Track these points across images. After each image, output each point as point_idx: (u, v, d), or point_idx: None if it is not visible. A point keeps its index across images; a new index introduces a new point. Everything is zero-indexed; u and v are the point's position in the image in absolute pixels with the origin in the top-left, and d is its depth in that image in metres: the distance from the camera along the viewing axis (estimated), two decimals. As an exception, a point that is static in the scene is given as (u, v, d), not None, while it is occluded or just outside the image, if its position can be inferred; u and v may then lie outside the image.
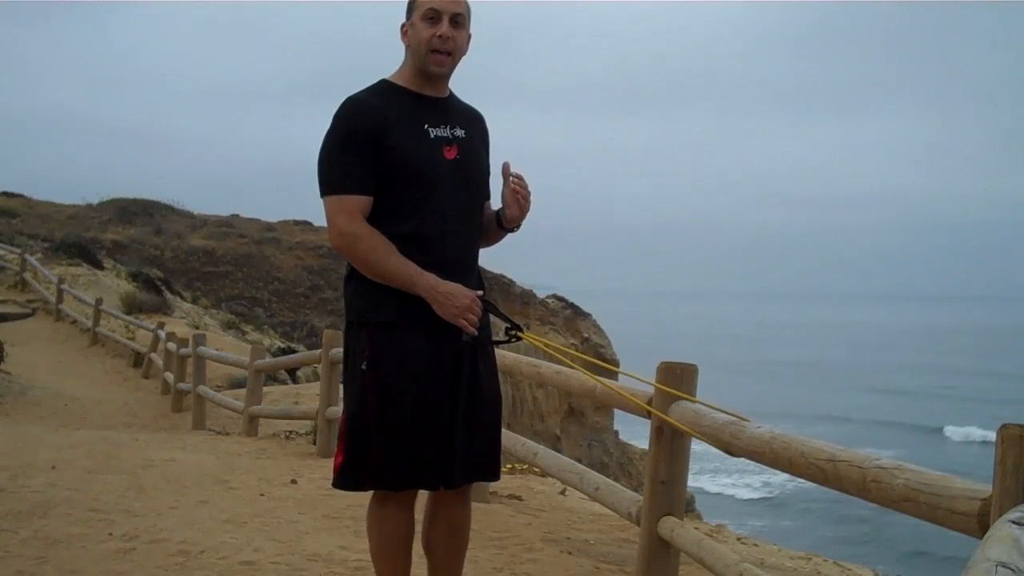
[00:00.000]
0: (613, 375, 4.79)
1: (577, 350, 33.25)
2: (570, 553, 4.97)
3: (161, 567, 4.36)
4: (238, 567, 4.36)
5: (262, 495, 5.92)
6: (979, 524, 2.26)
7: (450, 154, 3.03)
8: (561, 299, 37.07)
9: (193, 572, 4.31)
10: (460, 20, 3.01)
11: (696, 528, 4.61)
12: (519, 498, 6.29)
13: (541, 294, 36.83)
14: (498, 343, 3.15)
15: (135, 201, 39.92)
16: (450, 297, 2.93)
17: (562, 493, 6.75)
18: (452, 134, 3.06)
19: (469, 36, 3.07)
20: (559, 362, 5.04)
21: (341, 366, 3.21)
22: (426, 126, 3.01)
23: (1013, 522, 1.89)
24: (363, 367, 2.98)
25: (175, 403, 14.48)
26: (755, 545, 6.19)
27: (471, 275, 3.11)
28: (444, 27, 2.96)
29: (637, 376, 3.85)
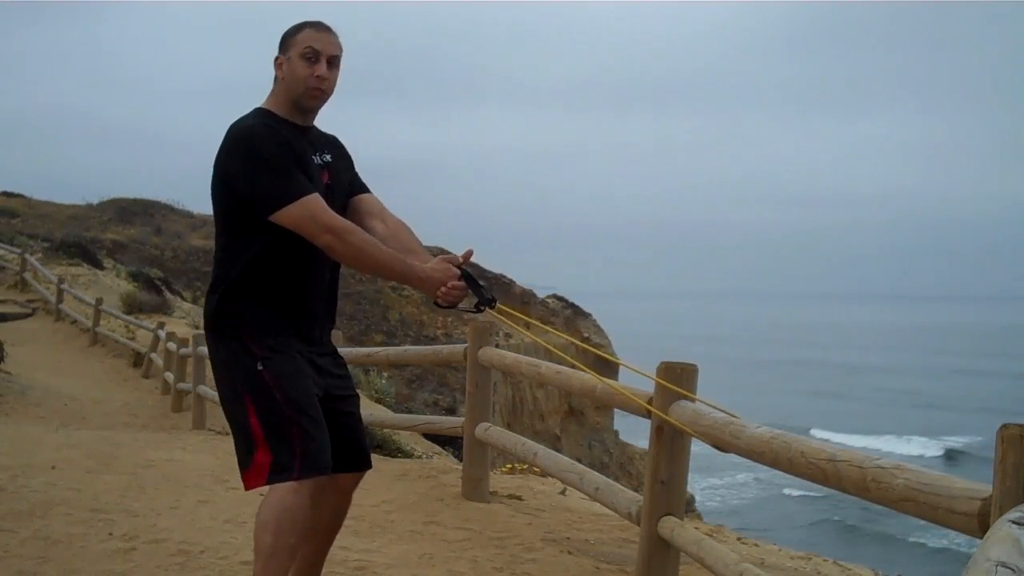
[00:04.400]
0: (612, 370, 4.79)
1: (577, 350, 33.25)
2: (570, 553, 4.97)
3: (161, 567, 4.36)
4: (238, 567, 4.36)
5: (262, 495, 5.91)
6: (979, 524, 2.26)
7: (325, 179, 3.23)
8: (561, 299, 37.09)
9: (193, 572, 4.31)
10: (336, 61, 3.18)
11: (696, 528, 4.61)
12: (519, 498, 6.29)
13: (541, 294, 36.83)
14: (465, 310, 3.30)
15: (135, 201, 39.93)
16: (433, 281, 3.16)
17: (562, 493, 6.75)
18: (323, 160, 3.26)
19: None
20: (557, 359, 5.04)
21: (219, 385, 3.24)
22: (312, 154, 3.21)
23: (1013, 522, 1.89)
24: (259, 367, 3.11)
25: (175, 403, 14.48)
26: (755, 545, 6.19)
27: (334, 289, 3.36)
28: (322, 68, 3.12)
29: (637, 369, 3.85)
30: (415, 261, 3.19)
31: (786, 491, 41.71)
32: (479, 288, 3.24)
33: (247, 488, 3.16)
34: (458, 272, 3.18)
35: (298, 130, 3.18)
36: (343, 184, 3.32)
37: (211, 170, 3.17)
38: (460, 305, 3.22)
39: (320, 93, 3.15)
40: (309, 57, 3.11)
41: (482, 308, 3.26)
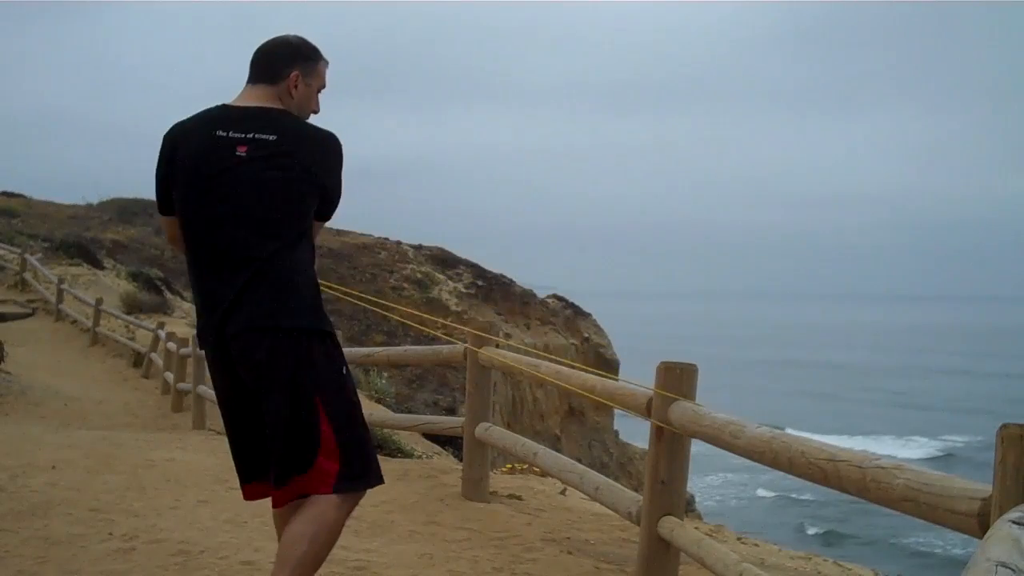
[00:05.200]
0: (612, 371, 4.79)
1: (578, 350, 33.20)
2: (570, 553, 4.97)
3: (161, 567, 4.36)
4: (238, 567, 4.36)
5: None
6: (979, 524, 2.26)
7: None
8: (561, 299, 37.06)
9: (193, 572, 4.31)
10: None
11: (696, 528, 4.61)
12: (519, 498, 6.29)
13: (541, 294, 36.82)
14: None
15: (135, 201, 39.87)
16: None
17: (562, 493, 6.75)
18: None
19: None
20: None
21: (274, 382, 3.04)
22: None
23: (1013, 522, 1.89)
24: (344, 371, 3.13)
25: (175, 403, 14.48)
26: (755, 545, 6.19)
27: None
28: (318, 103, 3.30)
29: (636, 383, 3.86)
30: None
31: (759, 492, 41.91)
32: None
33: (290, 496, 3.04)
34: None
35: None
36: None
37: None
38: None
39: None
40: (319, 91, 3.28)
41: None
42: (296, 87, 3.17)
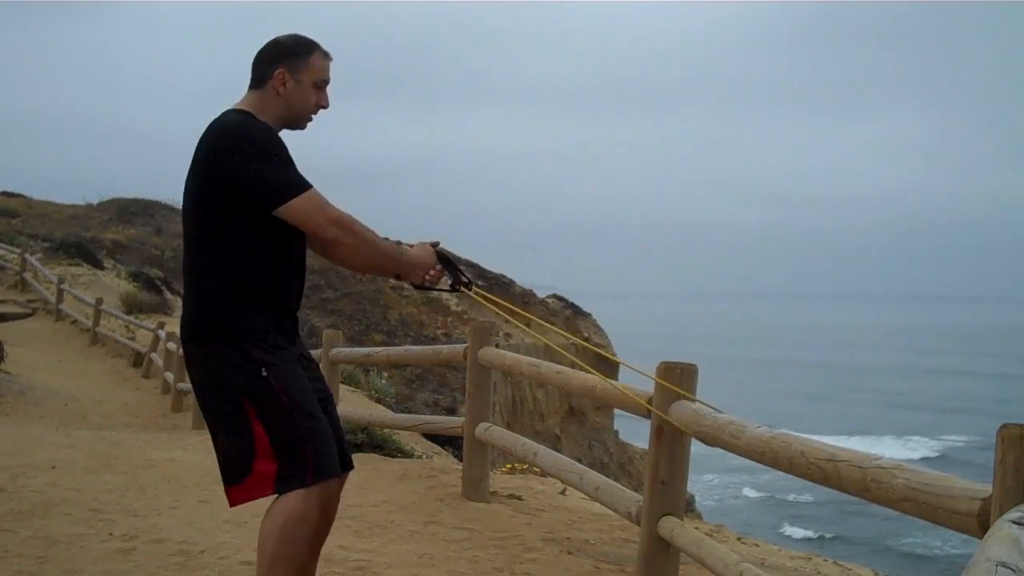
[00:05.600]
0: (612, 371, 4.79)
1: (577, 350, 33.21)
2: (570, 553, 4.97)
3: (161, 567, 4.36)
4: (238, 567, 4.36)
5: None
6: (979, 524, 2.26)
7: None
8: (561, 299, 37.05)
9: (193, 572, 4.31)
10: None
11: (696, 528, 4.61)
12: (519, 498, 6.29)
13: (541, 294, 36.82)
14: (440, 290, 3.38)
15: (135, 201, 39.88)
16: (422, 266, 3.26)
17: (562, 493, 6.76)
18: None
19: None
20: (555, 358, 5.04)
21: (208, 394, 3.11)
22: None
23: (1013, 522, 1.89)
24: (263, 373, 3.04)
25: (175, 403, 14.48)
26: (755, 545, 6.19)
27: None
28: (326, 98, 3.20)
29: (637, 368, 3.86)
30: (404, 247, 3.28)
31: (745, 491, 41.96)
32: (457, 270, 3.34)
33: (237, 501, 3.06)
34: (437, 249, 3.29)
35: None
36: None
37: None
38: (439, 285, 3.31)
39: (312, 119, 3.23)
40: (320, 87, 3.17)
41: (458, 288, 3.35)
42: (284, 85, 3.13)
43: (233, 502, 3.09)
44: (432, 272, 3.26)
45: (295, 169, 3.08)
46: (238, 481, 3.04)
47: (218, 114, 3.17)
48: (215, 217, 3.05)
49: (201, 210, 3.08)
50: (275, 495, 3.04)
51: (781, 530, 35.49)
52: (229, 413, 3.05)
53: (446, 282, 3.34)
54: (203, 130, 3.12)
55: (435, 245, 3.31)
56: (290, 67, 3.13)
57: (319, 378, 3.30)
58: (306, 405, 3.07)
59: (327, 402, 3.25)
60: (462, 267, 3.39)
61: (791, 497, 40.15)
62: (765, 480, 41.00)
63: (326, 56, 3.20)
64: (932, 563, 30.44)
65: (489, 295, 3.63)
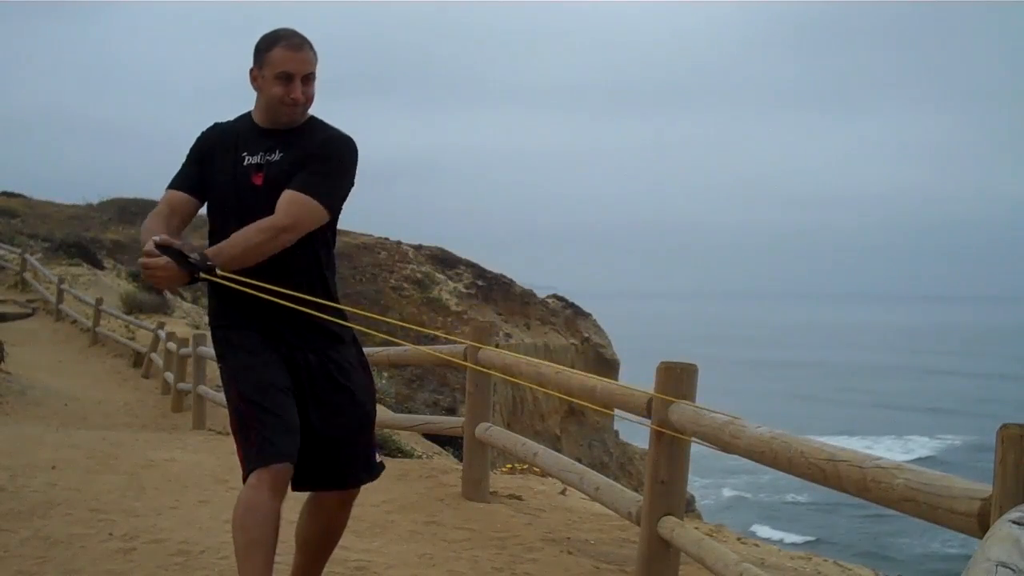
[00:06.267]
0: (612, 371, 4.78)
1: (577, 350, 33.19)
2: (570, 553, 4.97)
3: (161, 567, 4.36)
4: (238, 567, 4.35)
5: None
6: (979, 524, 2.26)
7: (257, 180, 3.19)
8: (561, 299, 37.04)
9: (193, 572, 4.31)
10: (310, 78, 3.20)
11: (696, 528, 4.61)
12: (519, 498, 6.29)
13: (541, 294, 36.81)
14: (184, 285, 3.19)
15: (135, 201, 39.85)
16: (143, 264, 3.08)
17: (562, 493, 6.75)
18: (264, 160, 3.20)
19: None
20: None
21: None
22: (247, 154, 3.22)
23: (1013, 522, 1.89)
24: (220, 364, 3.28)
25: (175, 403, 14.47)
26: (755, 545, 6.19)
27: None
28: (296, 91, 3.15)
29: (635, 388, 3.86)
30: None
31: (725, 492, 41.97)
32: (184, 258, 3.01)
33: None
34: (154, 249, 3.01)
35: (257, 131, 3.24)
36: (283, 183, 3.17)
37: None
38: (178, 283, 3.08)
39: (294, 110, 3.20)
40: (283, 79, 3.15)
41: (198, 276, 3.04)
42: (255, 81, 3.22)
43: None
44: (144, 263, 3.02)
45: (181, 167, 3.34)
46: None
47: (229, 111, 3.39)
48: None
49: None
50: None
51: (752, 529, 35.54)
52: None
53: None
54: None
55: (160, 243, 3.03)
56: (258, 63, 3.21)
57: (340, 387, 3.25)
58: (253, 394, 3.09)
59: (336, 414, 3.24)
60: (195, 255, 3.04)
61: (760, 496, 40.27)
62: (741, 481, 41.16)
63: (292, 47, 3.15)
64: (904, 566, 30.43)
65: (240, 279, 3.10)
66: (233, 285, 3.05)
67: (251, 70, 3.22)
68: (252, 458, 3.03)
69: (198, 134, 3.37)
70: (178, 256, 3.00)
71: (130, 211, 38.58)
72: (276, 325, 3.18)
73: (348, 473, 3.30)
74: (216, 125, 3.37)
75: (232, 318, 3.22)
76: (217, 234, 3.23)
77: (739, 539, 6.25)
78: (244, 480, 3.06)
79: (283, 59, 3.14)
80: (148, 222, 3.20)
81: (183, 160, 3.34)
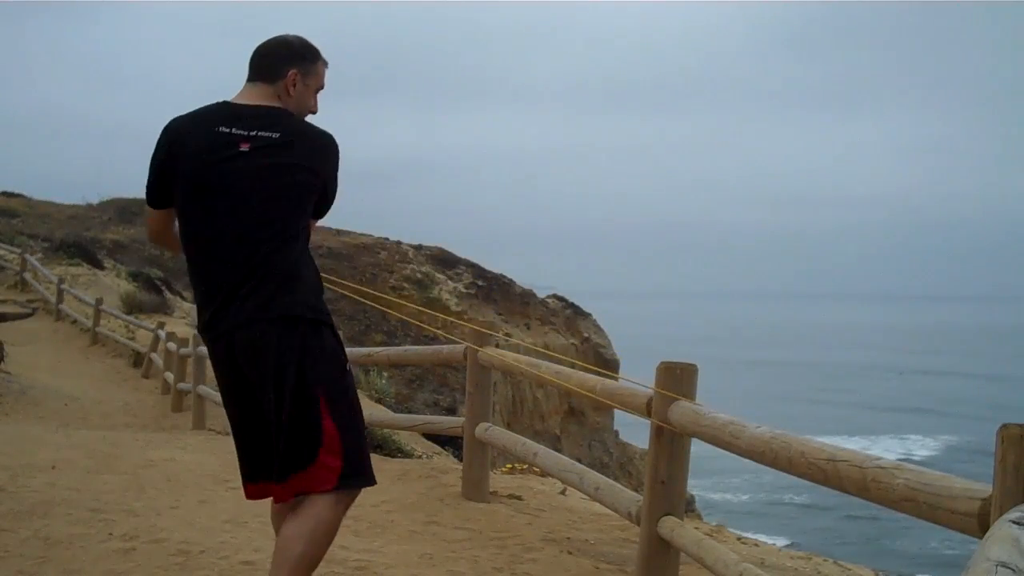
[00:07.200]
0: (612, 371, 4.79)
1: (577, 350, 33.18)
2: (570, 553, 4.97)
3: (161, 567, 4.36)
4: (238, 567, 4.36)
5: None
6: (979, 524, 2.26)
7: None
8: (561, 299, 37.05)
9: (193, 572, 4.31)
10: None
11: (696, 528, 4.61)
12: (519, 498, 6.29)
13: (541, 294, 36.82)
14: None
15: (135, 201, 39.77)
16: None
17: (562, 493, 6.75)
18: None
19: None
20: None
21: (276, 375, 3.02)
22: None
23: (1013, 522, 1.89)
24: (349, 367, 3.16)
25: (175, 403, 14.47)
26: (755, 545, 6.19)
27: None
28: (317, 104, 3.30)
29: (636, 381, 3.86)
30: None
31: (725, 493, 42.07)
32: None
33: (292, 493, 3.03)
34: None
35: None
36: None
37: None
38: None
39: None
40: (317, 92, 3.29)
41: None
42: (294, 86, 3.19)
43: (283, 495, 3.05)
44: None
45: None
46: (301, 469, 3.00)
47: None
48: (307, 214, 3.18)
49: (301, 205, 3.14)
50: (330, 491, 3.01)
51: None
52: (300, 399, 3.01)
53: None
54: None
55: None
56: (302, 70, 3.21)
57: None
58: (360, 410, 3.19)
59: None
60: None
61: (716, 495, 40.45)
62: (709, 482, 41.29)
63: (326, 63, 3.33)
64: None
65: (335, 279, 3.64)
66: (337, 289, 3.28)
67: (293, 72, 3.19)
68: (368, 473, 3.10)
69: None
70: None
71: (130, 211, 38.56)
72: None
73: None
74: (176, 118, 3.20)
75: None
76: (196, 222, 3.11)
77: (739, 539, 6.25)
78: (344, 484, 3.03)
79: (323, 74, 3.30)
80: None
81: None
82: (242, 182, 3.05)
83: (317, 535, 2.98)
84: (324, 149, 3.19)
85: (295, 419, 3.00)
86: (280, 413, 3.01)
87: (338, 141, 3.25)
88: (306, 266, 3.14)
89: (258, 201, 3.05)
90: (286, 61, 3.20)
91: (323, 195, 3.22)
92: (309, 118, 3.27)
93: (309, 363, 3.02)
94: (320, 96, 3.30)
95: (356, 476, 3.06)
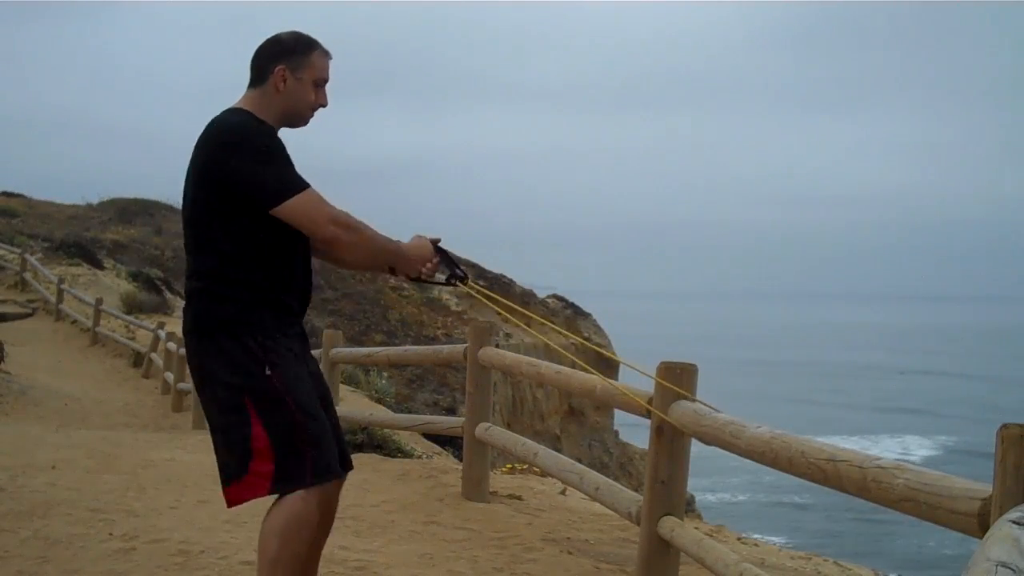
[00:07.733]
0: (612, 371, 4.79)
1: (577, 350, 33.17)
2: (570, 553, 4.97)
3: (161, 567, 4.36)
4: (238, 567, 4.36)
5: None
6: (979, 524, 2.26)
7: None
8: (561, 299, 37.05)
9: (193, 572, 4.31)
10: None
11: (696, 528, 4.61)
12: (519, 498, 6.29)
13: (541, 294, 36.82)
14: (435, 283, 3.42)
15: (135, 201, 39.84)
16: (419, 259, 3.26)
17: (562, 493, 6.76)
18: None
19: None
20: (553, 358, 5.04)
21: (209, 388, 3.08)
22: None
23: (1013, 522, 1.89)
24: (267, 372, 3.03)
25: (175, 403, 14.49)
26: (755, 545, 6.19)
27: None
28: (325, 97, 3.20)
29: (637, 367, 3.85)
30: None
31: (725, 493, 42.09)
32: (453, 264, 3.38)
33: (234, 502, 3.06)
34: (433, 249, 3.32)
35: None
36: None
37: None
38: (435, 278, 3.34)
39: (312, 116, 3.22)
40: (319, 85, 3.17)
41: (454, 282, 3.40)
42: (284, 82, 3.12)
43: (230, 502, 3.08)
44: (429, 265, 3.28)
45: (293, 169, 3.06)
46: (234, 480, 3.04)
47: (217, 113, 3.16)
48: (216, 216, 3.04)
49: (202, 209, 3.06)
50: (274, 496, 3.03)
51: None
52: (228, 411, 3.04)
53: (442, 276, 3.38)
54: (202, 129, 3.11)
55: (436, 241, 3.33)
56: (291, 64, 3.12)
57: (319, 373, 3.30)
58: (308, 406, 3.07)
59: (326, 401, 3.23)
60: (459, 262, 3.41)
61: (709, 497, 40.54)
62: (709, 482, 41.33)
63: (326, 54, 3.19)
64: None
65: (487, 291, 3.69)
66: (480, 297, 3.54)
67: (280, 69, 3.10)
68: (305, 473, 3.02)
69: (272, 137, 3.10)
70: (448, 259, 3.36)
71: (130, 211, 38.58)
72: (295, 327, 3.20)
73: (348, 455, 3.35)
74: (256, 119, 3.10)
75: (271, 322, 3.07)
76: (288, 242, 3.07)
77: (739, 539, 6.25)
78: (278, 489, 3.01)
79: (323, 66, 3.17)
80: (366, 223, 3.14)
81: (287, 161, 3.07)
82: (183, 202, 3.17)
83: (290, 530, 2.98)
84: (211, 144, 3.04)
85: (226, 428, 3.06)
86: (212, 423, 3.12)
87: (233, 121, 3.05)
88: (220, 271, 3.04)
89: (186, 219, 3.16)
90: (273, 58, 3.13)
91: (238, 190, 2.99)
92: (320, 112, 3.21)
93: (231, 373, 3.03)
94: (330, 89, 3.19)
95: (288, 480, 3.00)
